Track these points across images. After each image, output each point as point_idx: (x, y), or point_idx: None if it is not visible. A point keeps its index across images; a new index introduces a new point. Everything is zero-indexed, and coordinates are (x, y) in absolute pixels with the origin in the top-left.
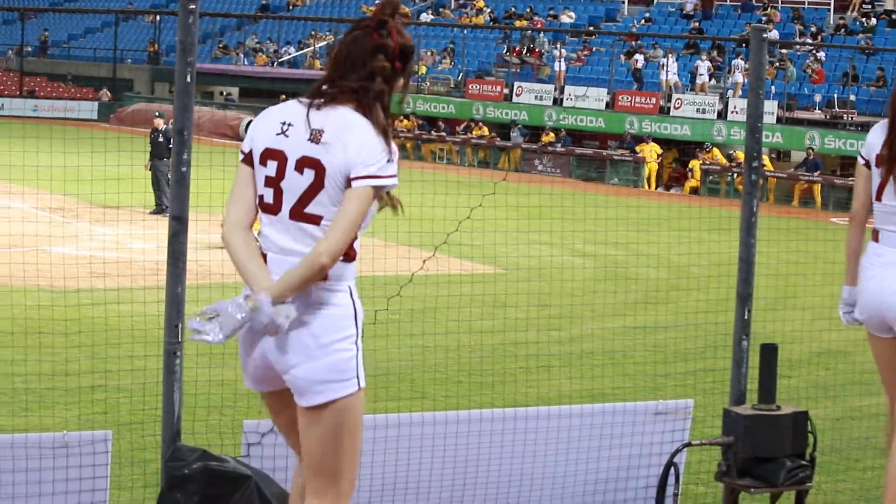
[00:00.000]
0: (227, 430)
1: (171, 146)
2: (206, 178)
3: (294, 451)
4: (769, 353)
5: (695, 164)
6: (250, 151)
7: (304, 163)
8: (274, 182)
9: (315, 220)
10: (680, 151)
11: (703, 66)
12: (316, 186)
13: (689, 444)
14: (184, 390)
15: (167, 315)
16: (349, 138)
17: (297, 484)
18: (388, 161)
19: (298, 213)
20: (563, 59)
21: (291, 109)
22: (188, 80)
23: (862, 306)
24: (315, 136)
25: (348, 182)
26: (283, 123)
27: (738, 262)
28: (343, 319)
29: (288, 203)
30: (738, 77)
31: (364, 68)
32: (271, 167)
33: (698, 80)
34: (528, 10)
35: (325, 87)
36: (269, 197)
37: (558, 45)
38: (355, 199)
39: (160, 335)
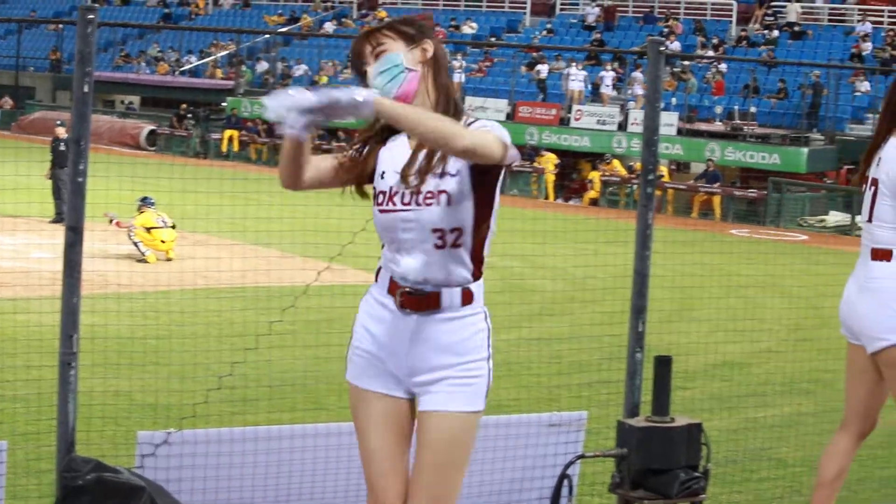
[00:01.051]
0: (122, 442)
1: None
2: (104, 189)
3: (372, 466)
4: (663, 365)
5: (594, 176)
6: None
7: None
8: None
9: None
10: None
11: (608, 76)
12: None
13: (582, 456)
14: (79, 401)
15: (63, 325)
16: None
17: None
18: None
19: None
20: (462, 71)
21: None
22: (86, 89)
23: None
24: None
25: None
26: None
27: (633, 275)
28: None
29: None
30: (639, 89)
31: None
32: None
33: (602, 91)
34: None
35: None
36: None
37: (459, 56)
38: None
39: (56, 345)
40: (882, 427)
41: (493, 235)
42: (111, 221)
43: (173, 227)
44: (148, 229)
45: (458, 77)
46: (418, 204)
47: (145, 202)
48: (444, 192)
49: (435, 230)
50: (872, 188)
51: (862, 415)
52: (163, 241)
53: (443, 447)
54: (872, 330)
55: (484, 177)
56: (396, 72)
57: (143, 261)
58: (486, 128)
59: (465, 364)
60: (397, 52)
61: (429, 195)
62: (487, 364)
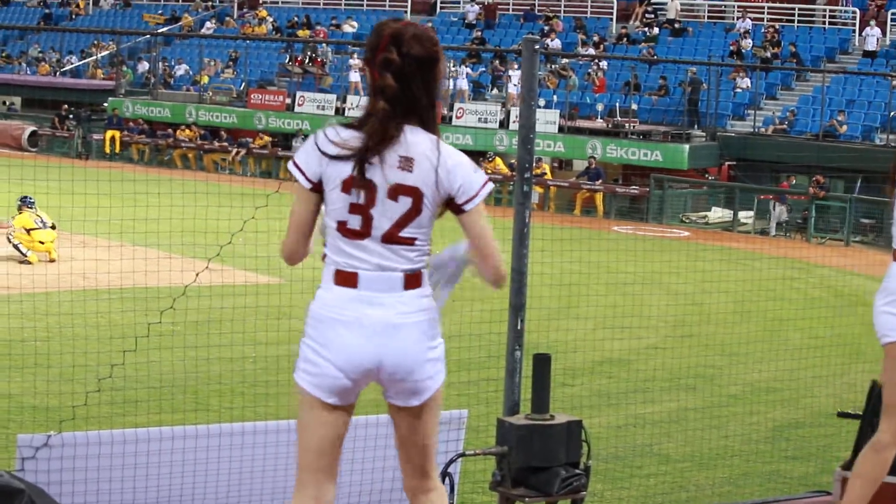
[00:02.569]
0: (2, 444)
1: None
2: None
3: (328, 471)
4: (542, 363)
5: None
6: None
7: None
8: (362, 209)
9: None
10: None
11: (508, 74)
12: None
13: (463, 454)
14: None
15: None
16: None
17: None
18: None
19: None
20: (355, 71)
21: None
22: None
23: None
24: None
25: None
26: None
27: (511, 273)
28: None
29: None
30: (512, 88)
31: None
32: (356, 195)
33: (509, 89)
34: (305, 18)
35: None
36: (354, 223)
37: (355, 57)
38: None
39: None
40: (764, 422)
41: (331, 234)
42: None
43: (53, 227)
44: (28, 230)
45: (354, 76)
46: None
47: (24, 202)
48: None
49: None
50: None
51: None
52: (41, 242)
53: None
54: None
55: None
56: None
57: (25, 262)
58: None
59: None
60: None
61: None
62: (302, 336)
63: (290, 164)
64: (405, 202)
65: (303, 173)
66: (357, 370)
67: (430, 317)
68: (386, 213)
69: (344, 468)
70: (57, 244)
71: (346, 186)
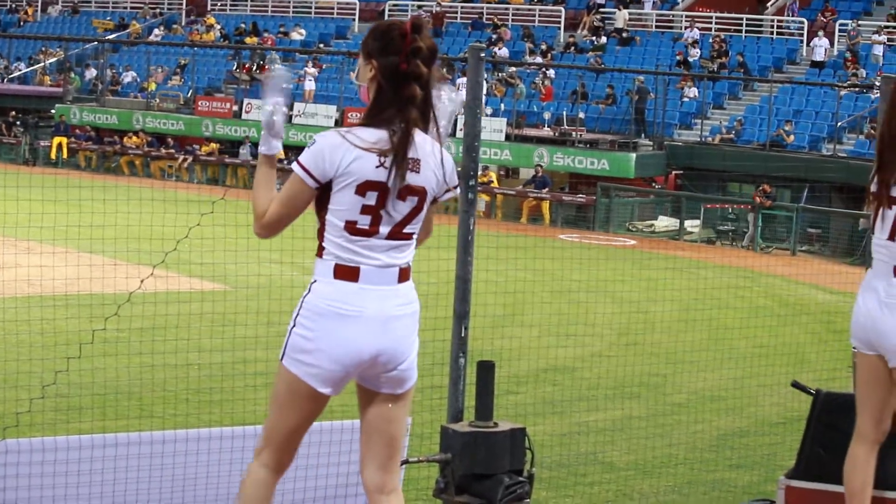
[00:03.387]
0: None
1: None
2: None
3: (295, 448)
4: (485, 370)
5: None
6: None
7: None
8: (374, 210)
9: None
10: None
11: (456, 82)
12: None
13: (406, 462)
14: None
15: None
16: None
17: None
18: None
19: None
20: (310, 79)
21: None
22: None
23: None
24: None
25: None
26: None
27: (455, 280)
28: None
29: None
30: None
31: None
32: (371, 197)
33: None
34: (252, 25)
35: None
36: (364, 223)
37: (310, 65)
38: None
39: None
40: (709, 431)
41: (333, 231)
42: None
43: None
44: None
45: (310, 84)
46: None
47: None
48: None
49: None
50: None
51: (877, 422)
52: None
53: None
54: None
55: None
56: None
57: None
58: None
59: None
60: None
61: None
62: (290, 325)
63: (294, 165)
64: (412, 201)
65: (309, 174)
66: (355, 362)
67: (417, 309)
68: (394, 213)
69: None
70: None
71: (362, 189)
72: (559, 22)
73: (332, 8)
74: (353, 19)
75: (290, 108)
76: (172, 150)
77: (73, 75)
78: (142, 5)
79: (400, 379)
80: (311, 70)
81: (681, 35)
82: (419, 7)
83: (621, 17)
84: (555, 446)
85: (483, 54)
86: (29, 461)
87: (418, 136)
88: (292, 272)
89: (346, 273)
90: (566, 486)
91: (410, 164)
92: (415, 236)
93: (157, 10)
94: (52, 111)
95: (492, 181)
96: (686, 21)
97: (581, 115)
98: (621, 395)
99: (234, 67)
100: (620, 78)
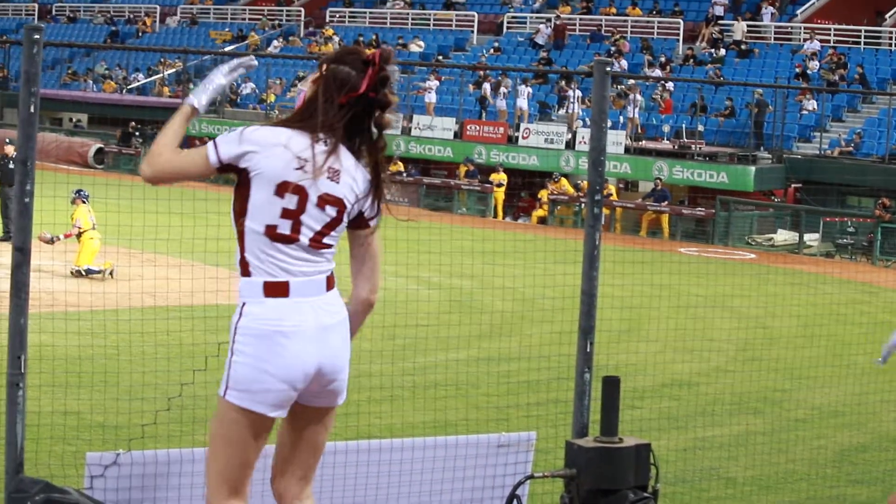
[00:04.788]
0: (71, 462)
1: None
2: (51, 209)
3: (247, 486)
4: (611, 385)
5: (543, 194)
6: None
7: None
8: (294, 214)
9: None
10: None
11: (572, 94)
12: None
13: (531, 477)
14: (28, 421)
15: (10, 346)
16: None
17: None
18: None
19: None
20: (430, 91)
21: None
22: (32, 110)
23: None
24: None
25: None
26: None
27: (581, 295)
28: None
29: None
30: (573, 107)
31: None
32: (290, 200)
33: (570, 110)
34: (374, 37)
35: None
36: (284, 228)
37: (431, 78)
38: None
39: (3, 366)
40: (830, 446)
41: (254, 240)
42: (50, 241)
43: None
44: (80, 233)
45: (430, 97)
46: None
47: (80, 195)
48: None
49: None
50: None
51: None
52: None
53: (210, 421)
54: None
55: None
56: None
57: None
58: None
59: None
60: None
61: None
62: (229, 357)
63: (209, 142)
64: (331, 211)
65: (216, 152)
66: (303, 378)
67: (346, 316)
68: (313, 221)
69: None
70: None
71: (281, 190)
72: (678, 34)
73: (451, 20)
74: (472, 31)
75: (233, 91)
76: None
77: (191, 86)
78: (260, 17)
79: (338, 391)
80: (432, 83)
81: (800, 47)
82: (542, 20)
83: (739, 29)
84: (676, 461)
85: (609, 68)
86: (154, 472)
87: (342, 149)
88: (410, 285)
89: (276, 289)
90: (688, 501)
91: (330, 173)
92: (333, 249)
93: (276, 22)
94: None
95: (611, 194)
96: (805, 33)
97: (700, 127)
98: (742, 410)
99: None
100: (739, 91)
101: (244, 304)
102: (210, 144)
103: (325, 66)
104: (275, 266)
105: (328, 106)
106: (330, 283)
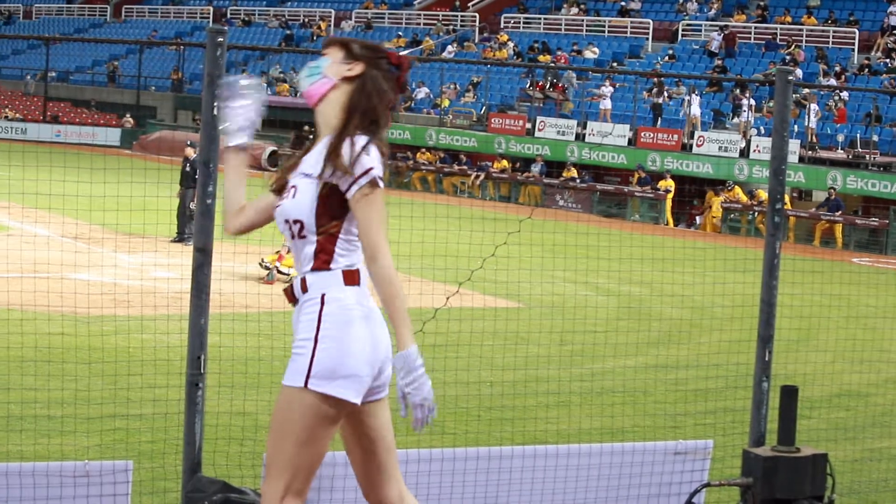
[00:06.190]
0: (247, 462)
1: (197, 176)
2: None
3: (313, 473)
4: (789, 395)
5: (715, 201)
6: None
7: None
8: None
9: None
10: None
11: (745, 102)
12: None
13: (708, 485)
14: (204, 421)
15: (190, 346)
16: None
17: None
18: None
19: None
20: (606, 98)
21: None
22: (215, 112)
23: None
24: None
25: None
26: None
27: (760, 304)
28: None
29: None
30: (745, 116)
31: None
32: None
33: (741, 118)
34: (543, 44)
35: None
36: None
37: (607, 84)
38: None
39: (181, 365)
40: None
41: (346, 239)
42: (267, 276)
43: None
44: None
45: (606, 104)
46: (283, 197)
47: None
48: (294, 186)
49: (286, 221)
50: None
51: None
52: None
53: (274, 415)
54: None
55: (329, 188)
56: (316, 72)
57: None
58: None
59: (296, 342)
60: (328, 59)
61: (290, 188)
62: (312, 344)
63: (374, 173)
64: None
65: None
66: (381, 361)
67: None
68: None
69: None
70: None
71: None
72: (853, 43)
73: (626, 27)
74: (647, 38)
75: (259, 113)
76: (465, 167)
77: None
78: (435, 22)
79: (388, 380)
80: (607, 89)
81: None
82: (716, 28)
83: None
84: (847, 472)
85: (791, 77)
86: (332, 474)
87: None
88: (584, 291)
89: (353, 278)
90: None
91: None
92: None
93: (451, 27)
94: None
95: (785, 203)
96: None
97: (875, 137)
98: None
99: (528, 85)
100: None
101: (323, 294)
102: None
103: (364, 67)
104: (352, 257)
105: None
106: None
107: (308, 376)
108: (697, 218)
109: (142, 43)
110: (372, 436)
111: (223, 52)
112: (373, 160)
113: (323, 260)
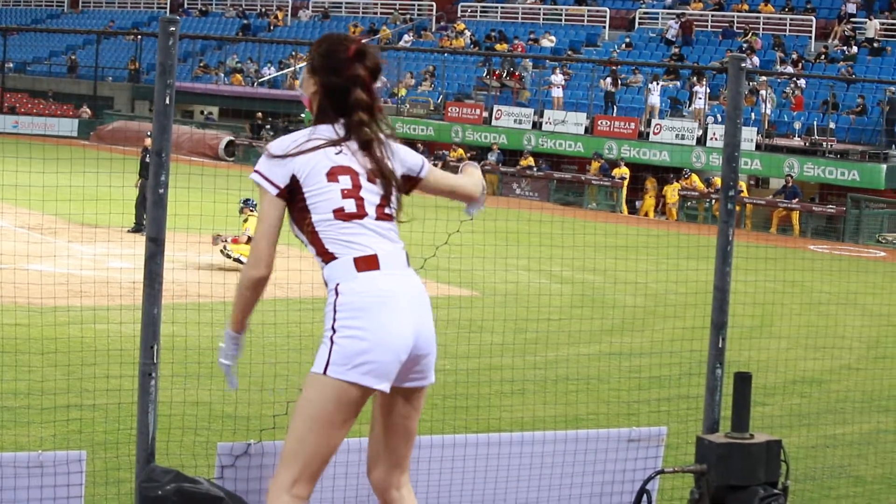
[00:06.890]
0: (202, 452)
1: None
2: (185, 199)
3: (326, 463)
4: (743, 381)
5: (668, 190)
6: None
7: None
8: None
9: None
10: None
11: (701, 90)
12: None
13: (661, 472)
14: (159, 411)
15: (143, 336)
16: None
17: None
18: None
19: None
20: (558, 86)
21: None
22: (167, 101)
23: None
24: None
25: None
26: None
27: (713, 291)
28: None
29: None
30: (701, 103)
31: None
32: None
33: (696, 106)
34: (500, 32)
35: None
36: (351, 207)
37: (557, 73)
38: None
39: (137, 355)
40: None
41: (327, 230)
42: (220, 245)
43: None
44: (247, 241)
45: (557, 91)
46: None
47: (247, 204)
48: None
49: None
50: None
51: None
52: None
53: (297, 403)
54: None
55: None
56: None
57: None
58: None
59: (321, 333)
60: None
61: None
62: (330, 333)
63: (253, 176)
64: (381, 184)
65: (268, 180)
66: (404, 347)
67: (427, 295)
68: (370, 195)
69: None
70: None
71: (333, 175)
72: (810, 31)
73: (583, 15)
74: (604, 27)
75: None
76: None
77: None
78: (392, 11)
79: (428, 368)
80: (558, 78)
81: None
82: (672, 16)
83: (872, 26)
84: (803, 458)
85: (744, 64)
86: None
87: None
88: (540, 279)
89: (367, 263)
90: (814, 499)
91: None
92: (395, 220)
93: (408, 16)
94: (302, 115)
95: (741, 190)
96: None
97: (832, 125)
98: (871, 408)
99: (485, 74)
100: (871, 88)
101: (337, 284)
102: (259, 180)
103: (316, 78)
104: (357, 243)
105: (333, 109)
106: (407, 260)
107: (328, 364)
108: (637, 203)
109: (98, 33)
110: (397, 419)
111: (175, 41)
112: (260, 162)
113: (323, 252)
